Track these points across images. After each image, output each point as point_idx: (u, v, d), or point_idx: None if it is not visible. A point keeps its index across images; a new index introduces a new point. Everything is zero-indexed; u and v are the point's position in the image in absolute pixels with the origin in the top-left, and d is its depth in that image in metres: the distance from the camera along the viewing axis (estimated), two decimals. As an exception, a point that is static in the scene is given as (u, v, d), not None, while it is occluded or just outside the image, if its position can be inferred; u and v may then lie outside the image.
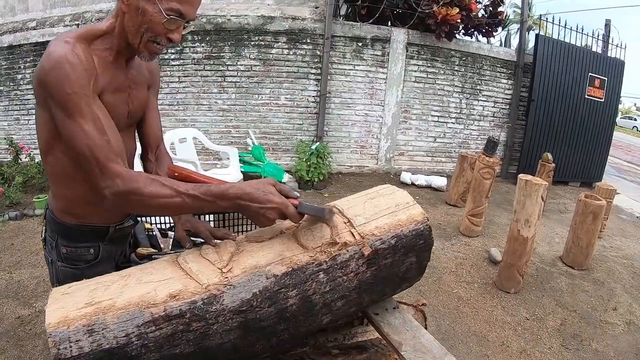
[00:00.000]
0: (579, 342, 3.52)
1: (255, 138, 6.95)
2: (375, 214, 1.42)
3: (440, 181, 7.01)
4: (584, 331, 3.67)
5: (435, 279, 4.27)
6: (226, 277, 1.15)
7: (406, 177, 7.25)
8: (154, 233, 2.13)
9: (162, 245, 2.05)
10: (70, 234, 1.51)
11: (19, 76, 7.14)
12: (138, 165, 1.69)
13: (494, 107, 7.93)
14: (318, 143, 6.93)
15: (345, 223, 1.35)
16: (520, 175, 4.08)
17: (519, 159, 7.97)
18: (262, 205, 1.15)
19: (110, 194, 1.21)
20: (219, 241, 1.34)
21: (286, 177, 6.72)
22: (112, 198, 1.22)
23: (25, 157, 6.05)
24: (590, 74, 7.90)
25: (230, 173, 5.20)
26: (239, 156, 6.22)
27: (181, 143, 5.08)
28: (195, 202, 1.19)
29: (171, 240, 2.10)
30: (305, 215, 1.24)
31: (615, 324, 3.84)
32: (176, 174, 1.35)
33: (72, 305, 1.02)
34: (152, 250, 1.90)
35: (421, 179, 7.11)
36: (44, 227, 1.58)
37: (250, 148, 6.76)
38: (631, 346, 3.56)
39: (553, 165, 6.55)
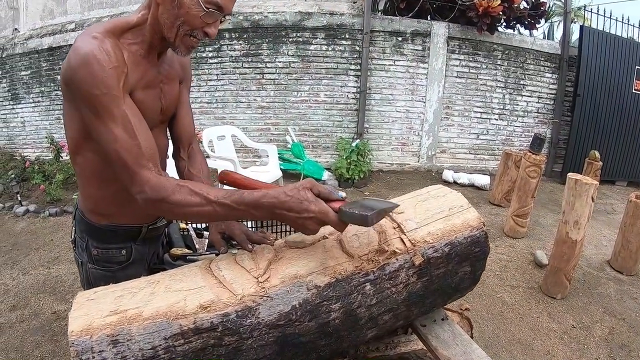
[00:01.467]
0: (627, 353, 3.32)
1: (295, 135, 6.88)
2: (427, 219, 1.30)
3: (483, 180, 6.76)
4: (633, 341, 3.45)
5: (479, 282, 4.07)
6: (263, 288, 1.05)
7: (448, 175, 7.03)
8: (189, 233, 2.05)
9: (197, 246, 1.97)
10: (101, 235, 1.45)
11: (59, 77, 7.19)
12: (170, 163, 1.62)
13: (538, 102, 7.58)
14: (358, 140, 6.79)
15: (394, 228, 1.24)
16: (570, 175, 3.83)
17: (564, 156, 7.57)
18: (299, 215, 1.03)
19: (140, 200, 1.16)
20: (256, 246, 1.25)
21: (326, 175, 6.60)
22: (142, 204, 1.17)
23: (66, 155, 6.14)
24: (637, 67, 7.44)
25: (269, 170, 5.12)
26: (279, 154, 6.16)
27: (220, 140, 5.02)
28: (227, 211, 1.10)
29: (206, 240, 2.03)
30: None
31: None
32: (225, 180, 1.29)
33: (96, 313, 0.95)
34: (186, 250, 1.82)
35: (463, 178, 6.88)
36: (73, 228, 1.52)
37: (289, 145, 6.70)
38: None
39: (600, 163, 6.20)
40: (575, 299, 3.94)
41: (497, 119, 7.55)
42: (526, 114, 7.60)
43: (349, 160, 6.46)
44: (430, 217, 1.31)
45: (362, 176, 6.57)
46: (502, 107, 7.50)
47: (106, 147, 1.15)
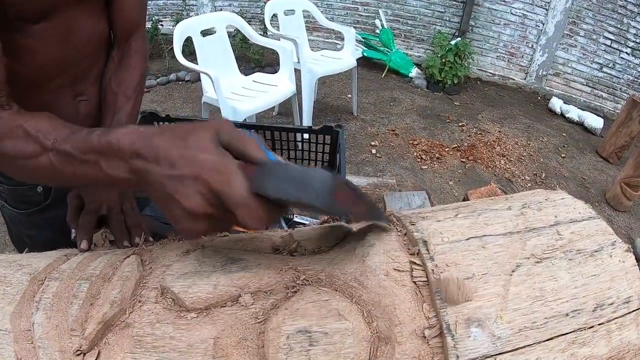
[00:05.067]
0: None
1: (386, 20, 6.00)
2: (530, 328, 0.54)
3: (595, 121, 5.69)
4: None
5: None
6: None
7: (556, 104, 6.01)
8: None
9: None
10: None
11: None
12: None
13: (683, 48, 6.20)
14: (459, 39, 5.82)
15: (423, 334, 0.53)
16: None
17: None
18: (174, 173, 0.49)
19: None
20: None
21: (415, 72, 5.93)
22: None
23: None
24: None
25: (341, 57, 4.36)
26: (364, 38, 5.36)
27: (287, 16, 4.21)
28: (68, 165, 0.60)
29: None
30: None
31: None
32: None
33: None
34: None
35: (573, 112, 5.84)
36: None
37: (378, 31, 5.92)
38: None
39: None
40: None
41: (629, 54, 6.23)
42: None
43: (444, 60, 5.69)
44: (540, 327, 0.55)
45: (456, 81, 5.82)
46: (639, 41, 6.15)
47: None
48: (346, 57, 4.36)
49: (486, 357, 0.51)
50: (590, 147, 5.32)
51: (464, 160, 4.51)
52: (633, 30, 6.09)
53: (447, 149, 4.62)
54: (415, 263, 0.58)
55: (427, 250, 0.58)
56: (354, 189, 0.54)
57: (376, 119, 4.91)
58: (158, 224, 0.98)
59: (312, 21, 4.95)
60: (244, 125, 1.50)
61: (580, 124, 5.81)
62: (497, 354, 0.51)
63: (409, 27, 6.38)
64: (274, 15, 4.13)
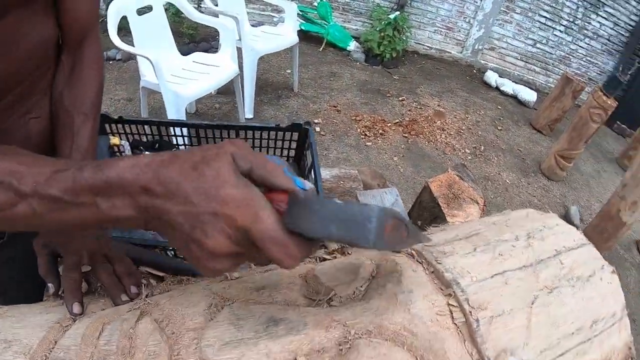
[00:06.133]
0: None
1: (324, -6, 5.93)
2: (547, 349, 0.62)
3: (529, 94, 5.91)
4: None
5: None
6: None
7: (491, 77, 6.18)
8: (122, 151, 1.39)
9: None
10: None
11: None
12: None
13: (612, 29, 6.49)
14: (398, 13, 5.78)
15: None
16: None
17: (621, 100, 6.58)
18: (192, 210, 0.43)
19: None
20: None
21: (353, 45, 5.89)
22: None
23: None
24: None
25: (283, 33, 4.17)
26: (301, 11, 5.24)
27: None
28: (54, 211, 0.49)
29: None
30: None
31: None
32: None
33: None
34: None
35: (508, 86, 6.02)
36: None
37: (316, 4, 5.83)
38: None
39: None
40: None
41: (562, 32, 6.55)
42: (596, 37, 6.57)
43: (382, 34, 5.66)
44: (554, 347, 0.62)
45: (394, 55, 5.82)
46: (572, 20, 6.44)
47: None
48: (288, 33, 4.19)
49: None
50: (525, 119, 5.52)
51: (406, 135, 4.56)
52: (567, 10, 6.35)
53: (390, 124, 4.65)
54: (453, 305, 0.59)
55: (462, 291, 0.60)
56: (402, 219, 0.47)
57: (317, 95, 4.83)
58: (132, 248, 0.86)
59: None
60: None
61: (515, 97, 6.01)
62: None
63: (347, 0, 6.28)
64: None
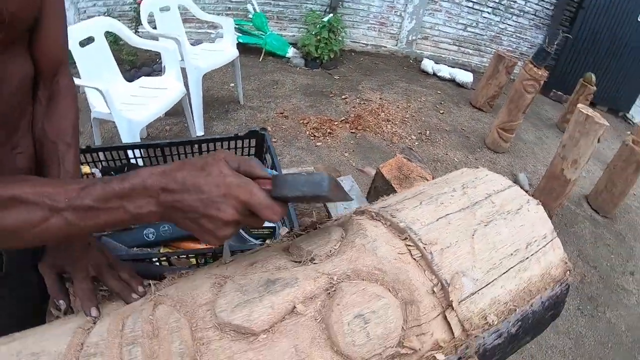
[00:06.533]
0: (594, 307, 3.32)
1: (258, 5, 5.90)
2: (492, 269, 0.77)
3: (465, 76, 6.18)
4: (601, 294, 3.45)
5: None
6: None
7: (428, 65, 6.40)
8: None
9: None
10: None
11: None
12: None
13: (537, 4, 6.84)
14: (331, 15, 5.90)
15: (433, 292, 0.70)
16: (580, 107, 3.48)
17: (552, 69, 6.98)
18: (204, 196, 0.61)
19: None
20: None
21: (291, 51, 5.96)
22: None
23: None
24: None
25: (223, 49, 4.26)
26: (237, 24, 5.30)
27: (163, 12, 3.99)
28: (88, 218, 0.63)
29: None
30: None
31: (631, 292, 3.65)
32: None
33: None
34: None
35: (444, 71, 6.27)
36: None
37: (250, 16, 5.81)
38: (642, 321, 3.53)
39: (594, 88, 5.75)
40: (554, 236, 3.74)
41: (490, 13, 6.86)
42: (522, 14, 6.91)
43: (318, 37, 5.77)
44: (498, 266, 0.78)
45: (332, 56, 5.95)
46: (498, 1, 6.77)
47: None
48: (228, 48, 4.27)
49: (472, 294, 0.72)
50: (464, 100, 5.77)
51: (353, 131, 4.70)
52: (493, -8, 6.65)
53: (336, 122, 4.77)
54: (410, 245, 0.74)
55: (415, 234, 0.75)
56: (337, 182, 0.69)
57: (263, 104, 4.89)
58: (126, 263, 0.94)
59: (182, 13, 4.70)
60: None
61: (452, 80, 6.26)
62: (478, 290, 0.73)
63: (280, 9, 6.32)
64: (149, 13, 3.86)
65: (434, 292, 0.70)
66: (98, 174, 1.47)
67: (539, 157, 4.94)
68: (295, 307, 0.63)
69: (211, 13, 5.32)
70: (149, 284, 0.78)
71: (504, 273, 0.77)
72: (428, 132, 4.89)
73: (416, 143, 4.66)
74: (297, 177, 0.63)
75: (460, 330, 0.69)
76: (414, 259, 0.72)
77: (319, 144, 4.40)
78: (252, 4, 5.82)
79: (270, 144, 1.49)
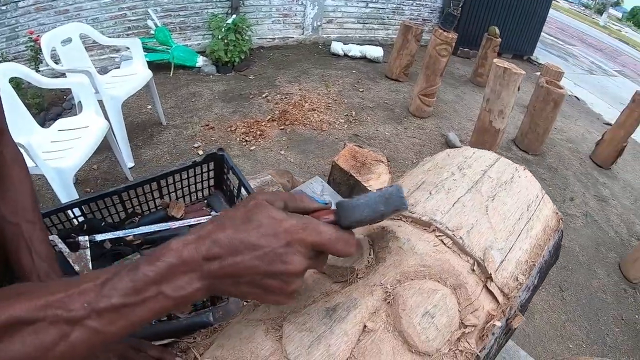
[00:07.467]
0: None
1: (158, 18, 5.73)
2: (510, 236, 0.84)
3: (375, 51, 6.32)
4: None
5: (400, 174, 3.72)
6: None
7: (337, 47, 6.50)
8: (57, 249, 1.28)
9: (75, 267, 1.22)
10: None
11: None
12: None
13: (432, -30, 7.17)
14: (235, 16, 5.85)
15: (472, 270, 0.75)
16: (496, 61, 3.77)
17: (457, 28, 7.30)
18: (262, 252, 0.52)
19: None
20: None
21: (201, 60, 5.80)
22: None
23: None
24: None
25: (136, 72, 4.07)
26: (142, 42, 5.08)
27: (65, 46, 3.71)
28: (118, 320, 0.49)
29: (87, 253, 1.26)
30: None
31: (575, 216, 3.97)
32: None
33: None
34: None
35: (354, 50, 6.38)
36: None
37: (152, 31, 5.63)
38: (591, 240, 3.78)
39: (500, 40, 6.26)
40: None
41: (388, -14, 7.04)
42: None
43: (225, 41, 5.68)
44: (512, 232, 0.85)
45: (242, 57, 5.87)
46: (392, -27, 6.96)
47: None
48: (140, 70, 4.08)
49: (502, 262, 0.78)
50: (380, 74, 5.91)
51: (282, 127, 4.70)
52: (385, -35, 6.81)
53: (264, 122, 4.74)
54: (440, 235, 0.78)
55: (440, 224, 0.79)
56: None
57: (186, 120, 4.76)
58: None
59: (82, 42, 4.43)
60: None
61: (364, 58, 6.38)
62: (505, 258, 0.80)
63: (182, 18, 6.13)
64: (52, 49, 3.56)
65: (473, 270, 0.74)
66: (58, 240, 1.33)
67: (461, 113, 5.16)
68: (365, 326, 0.64)
69: (111, 36, 5.10)
70: (182, 351, 0.76)
71: (518, 237, 0.85)
72: (354, 112, 4.97)
73: (345, 126, 4.72)
74: (367, 198, 0.57)
75: (502, 296, 0.74)
76: (448, 247, 0.76)
77: (252, 147, 4.35)
78: (152, 19, 5.64)
79: (232, 164, 1.44)
